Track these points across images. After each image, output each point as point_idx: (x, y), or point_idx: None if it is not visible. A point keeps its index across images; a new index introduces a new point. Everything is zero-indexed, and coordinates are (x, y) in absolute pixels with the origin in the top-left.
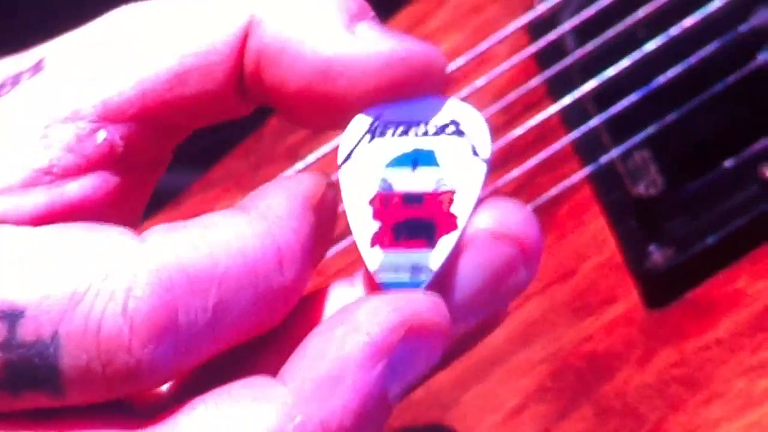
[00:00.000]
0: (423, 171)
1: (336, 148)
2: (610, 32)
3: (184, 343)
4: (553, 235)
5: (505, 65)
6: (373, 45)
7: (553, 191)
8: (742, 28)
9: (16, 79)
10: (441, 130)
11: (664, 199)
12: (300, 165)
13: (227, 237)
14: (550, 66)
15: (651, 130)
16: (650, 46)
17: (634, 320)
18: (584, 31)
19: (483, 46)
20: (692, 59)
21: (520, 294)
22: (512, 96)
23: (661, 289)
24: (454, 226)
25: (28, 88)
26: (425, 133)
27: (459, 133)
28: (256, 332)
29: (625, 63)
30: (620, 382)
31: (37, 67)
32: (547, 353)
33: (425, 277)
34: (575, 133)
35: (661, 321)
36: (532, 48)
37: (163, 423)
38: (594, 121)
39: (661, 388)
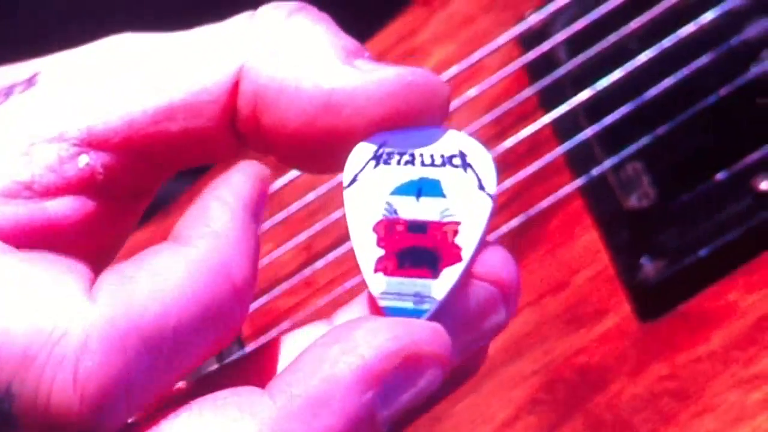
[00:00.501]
0: (428, 200)
1: None
2: (602, 43)
3: (138, 394)
4: (545, 247)
5: (496, 76)
6: (377, 73)
7: (545, 203)
8: (735, 40)
9: (9, 91)
10: (448, 160)
11: (657, 211)
12: (288, 176)
13: (179, 284)
14: (541, 77)
15: (643, 141)
16: (642, 57)
17: (627, 332)
18: (576, 43)
19: (474, 57)
20: (685, 71)
21: (498, 333)
22: (504, 107)
23: (653, 302)
24: (458, 258)
25: (19, 102)
26: (432, 163)
27: (465, 165)
28: (215, 351)
29: (617, 74)
30: (612, 394)
31: (30, 82)
32: (539, 365)
33: (429, 306)
34: (567, 145)
35: (654, 333)
36: (524, 59)
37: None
38: (586, 133)
39: (653, 400)
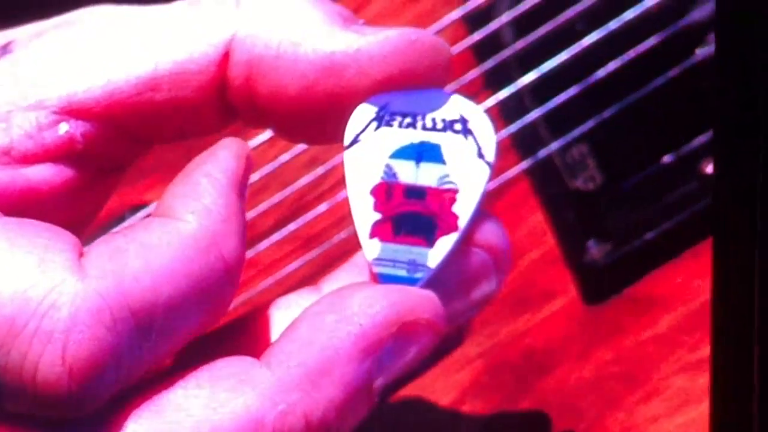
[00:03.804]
0: (427, 166)
1: (268, 140)
2: (549, 25)
3: (127, 369)
4: None
5: None
6: (380, 33)
7: (491, 185)
8: (682, 23)
9: None
10: (449, 125)
11: (603, 194)
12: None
13: (171, 259)
14: (487, 58)
15: (590, 124)
16: (589, 39)
17: (573, 316)
18: (522, 24)
19: None
20: (631, 53)
21: (487, 302)
22: (449, 88)
23: (599, 285)
24: (454, 227)
25: None
26: (433, 126)
27: (466, 132)
28: (204, 329)
29: (563, 56)
30: (558, 378)
31: (6, 49)
32: (484, 348)
33: (422, 275)
34: (513, 127)
35: (600, 317)
36: (469, 40)
37: (142, 405)
38: (532, 115)
39: (599, 384)
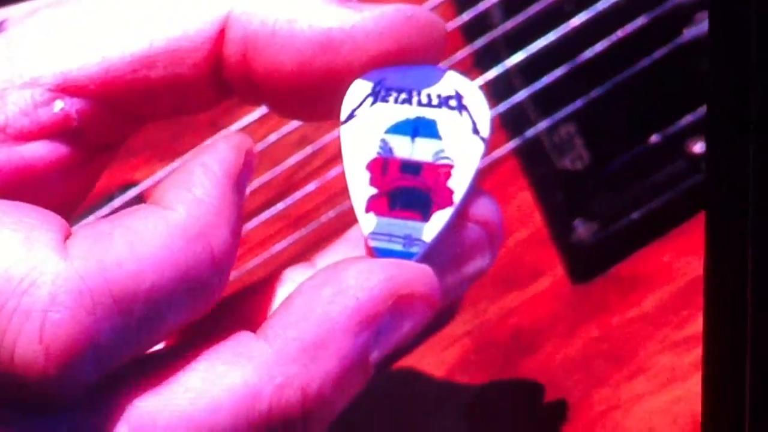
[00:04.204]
0: (423, 141)
1: (258, 119)
2: (537, 5)
3: (106, 356)
4: None
5: None
6: (376, 9)
7: (479, 164)
8: (669, 3)
9: None
10: (444, 101)
11: (590, 174)
12: (221, 135)
13: (156, 246)
14: (476, 38)
15: (577, 104)
16: (577, 20)
17: (560, 294)
18: (511, 4)
19: None
20: (619, 34)
21: (480, 277)
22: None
23: (586, 264)
24: (449, 202)
25: None
26: (428, 102)
27: (461, 107)
28: (189, 321)
29: (552, 36)
30: (545, 356)
31: (0, 27)
32: (471, 326)
33: (418, 249)
34: (501, 106)
35: (587, 295)
36: (458, 20)
37: (138, 381)
38: (520, 95)
39: (586, 362)
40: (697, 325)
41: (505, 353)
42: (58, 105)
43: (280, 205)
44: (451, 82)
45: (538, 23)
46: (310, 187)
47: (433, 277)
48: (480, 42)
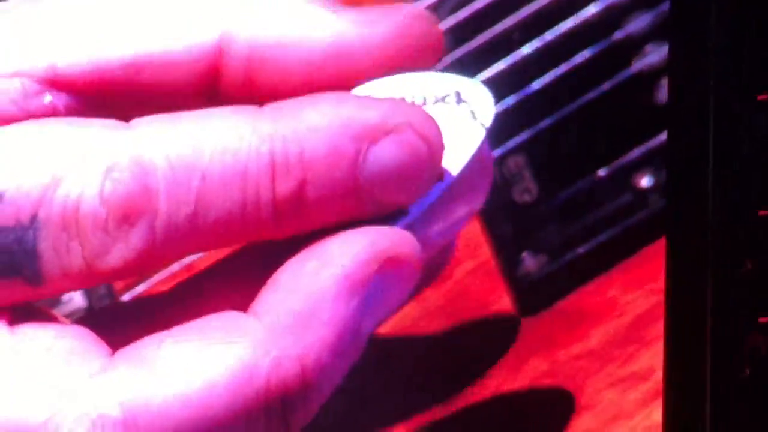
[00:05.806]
0: None
1: None
2: (486, 34)
3: (162, 229)
4: None
5: None
6: (381, 18)
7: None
8: (617, 35)
9: None
10: (441, 99)
11: (538, 207)
12: None
13: (219, 132)
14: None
15: (525, 135)
16: (526, 49)
17: (507, 327)
18: (460, 32)
19: None
20: (568, 65)
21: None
22: None
23: (533, 297)
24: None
25: None
26: (423, 104)
27: (459, 101)
28: (241, 240)
29: (500, 66)
30: (492, 389)
31: None
32: (416, 357)
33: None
34: None
35: (534, 329)
36: None
37: (129, 359)
38: None
39: (533, 396)
40: (642, 362)
41: (451, 386)
42: (47, 98)
43: None
44: (450, 83)
45: (486, 52)
46: None
47: (414, 240)
48: (429, 70)
